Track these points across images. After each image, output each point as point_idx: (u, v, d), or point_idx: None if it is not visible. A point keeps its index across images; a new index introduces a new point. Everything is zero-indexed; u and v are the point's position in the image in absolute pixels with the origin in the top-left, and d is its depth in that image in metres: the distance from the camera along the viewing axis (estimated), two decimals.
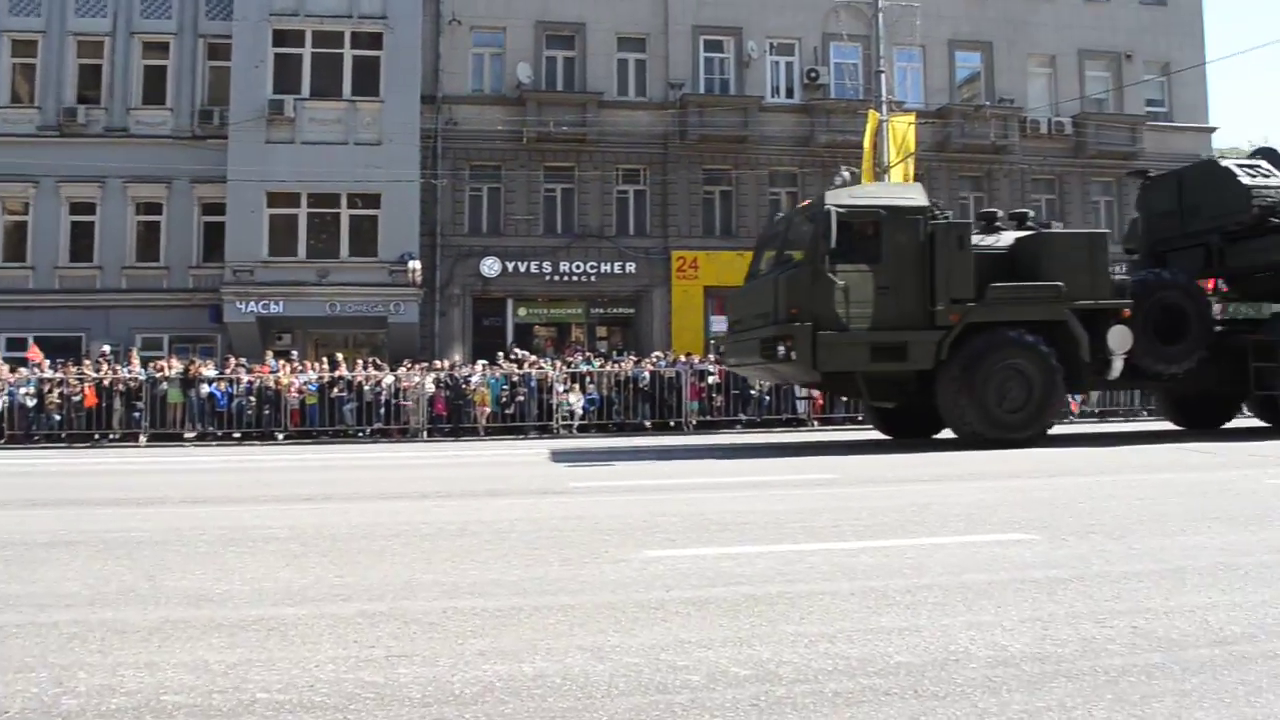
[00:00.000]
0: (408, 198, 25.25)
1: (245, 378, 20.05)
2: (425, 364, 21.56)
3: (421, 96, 26.03)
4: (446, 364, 21.77)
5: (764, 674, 3.35)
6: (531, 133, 26.54)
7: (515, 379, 20.74)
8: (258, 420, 19.75)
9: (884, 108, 23.61)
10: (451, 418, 20.42)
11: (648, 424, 20.56)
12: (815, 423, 20.86)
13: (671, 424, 20.57)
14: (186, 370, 20.07)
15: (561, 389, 20.50)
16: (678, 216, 27.66)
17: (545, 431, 20.17)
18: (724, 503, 7.92)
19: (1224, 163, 15.45)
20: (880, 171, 23.15)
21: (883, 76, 24.06)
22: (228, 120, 24.90)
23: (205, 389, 19.73)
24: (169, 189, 25.95)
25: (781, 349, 12.88)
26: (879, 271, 13.24)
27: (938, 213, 14.00)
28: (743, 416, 20.88)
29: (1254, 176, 15.00)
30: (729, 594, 4.51)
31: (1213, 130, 31.35)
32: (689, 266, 27.31)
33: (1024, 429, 13.27)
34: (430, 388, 20.35)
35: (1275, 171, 15.29)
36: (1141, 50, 30.88)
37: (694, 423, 20.60)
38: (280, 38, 25.19)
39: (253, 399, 19.84)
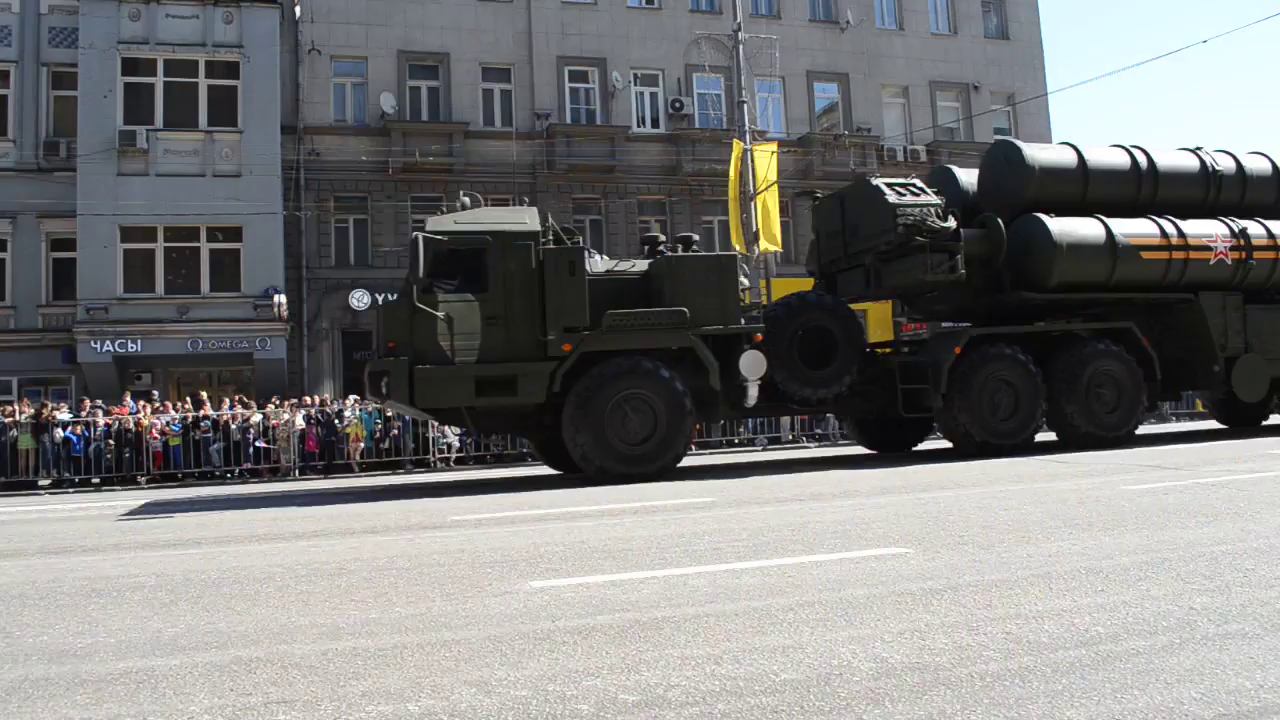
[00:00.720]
0: (271, 230, 24.60)
1: (102, 420, 19.14)
2: (295, 400, 20.96)
3: (282, 127, 25.43)
4: (317, 400, 21.22)
5: (653, 699, 3.36)
6: (397, 163, 26.22)
7: (389, 413, 20.35)
8: (118, 464, 18.85)
9: (747, 137, 24.13)
10: (324, 455, 19.90)
11: (527, 455, 20.38)
12: (692, 446, 21.01)
13: None
14: (38, 414, 19.06)
15: (437, 422, 20.17)
16: None
17: (422, 465, 19.83)
18: (606, 530, 7.92)
19: (874, 182, 15.14)
20: (746, 199, 23.64)
21: (745, 107, 24.59)
22: (76, 152, 23.85)
23: (59, 433, 18.75)
24: (13, 224, 24.69)
25: (384, 384, 12.31)
26: (487, 301, 12.60)
27: (567, 238, 13.41)
28: None
29: (902, 195, 14.57)
30: (615, 621, 4.51)
31: None
32: None
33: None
34: (301, 425, 19.79)
35: (928, 190, 14.96)
36: (988, 82, 32.43)
37: None
38: (130, 66, 24.29)
39: (111, 442, 18.94)
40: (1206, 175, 16.15)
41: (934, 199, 14.68)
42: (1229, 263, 15.52)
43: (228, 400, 20.80)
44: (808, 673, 3.59)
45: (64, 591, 5.88)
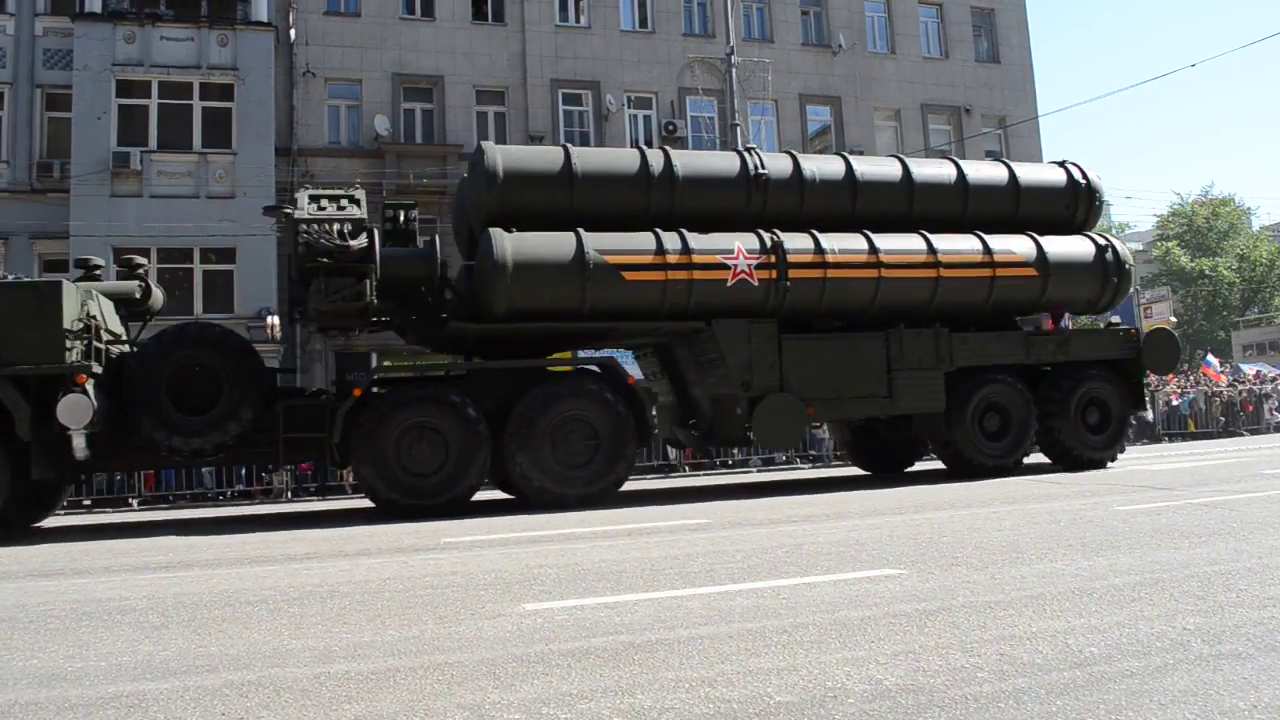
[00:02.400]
0: (264, 251, 24.60)
1: None
2: None
3: (276, 149, 25.48)
4: None
5: None
6: (391, 185, 26.23)
7: None
8: (109, 485, 18.77)
9: None
10: (317, 476, 19.82)
11: None
12: (686, 468, 21.03)
13: None
14: None
15: None
16: None
17: None
18: (599, 552, 7.91)
19: (298, 193, 12.80)
20: None
21: (738, 129, 24.72)
22: (69, 173, 23.88)
23: None
24: (7, 245, 24.64)
25: None
26: None
27: None
28: None
29: (324, 208, 12.38)
30: (609, 643, 4.50)
31: None
32: None
33: None
34: None
35: (360, 203, 12.70)
36: (979, 104, 32.60)
37: None
38: (125, 88, 24.34)
39: None
40: (747, 179, 13.59)
41: (354, 213, 12.41)
42: (755, 284, 12.98)
43: None
44: (802, 695, 3.59)
45: (55, 614, 5.85)
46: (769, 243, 13.14)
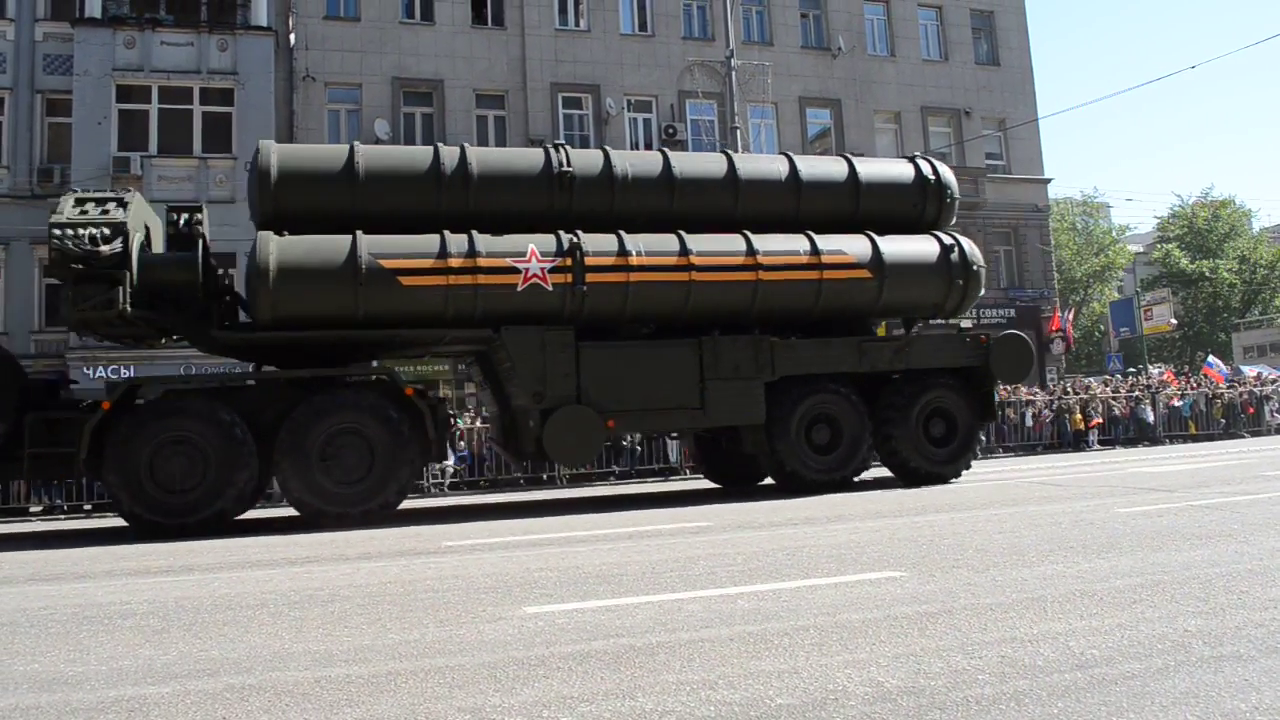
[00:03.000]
0: None
1: None
2: None
3: None
4: None
5: None
6: None
7: None
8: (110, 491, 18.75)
9: None
10: None
11: (521, 479, 20.37)
12: (687, 471, 21.01)
13: (544, 478, 20.42)
14: None
15: None
16: None
17: (416, 490, 19.74)
18: (600, 555, 7.91)
19: (68, 195, 12.14)
20: None
21: (738, 132, 24.74)
22: (70, 178, 23.89)
23: None
24: (7, 250, 24.71)
25: None
26: None
27: None
28: (615, 468, 20.87)
29: (87, 211, 11.66)
30: (610, 646, 4.50)
31: (1048, 181, 33.28)
32: None
33: None
34: None
35: (127, 205, 11.93)
36: (979, 107, 32.63)
37: (567, 476, 20.50)
38: (125, 93, 24.39)
39: None
40: (550, 178, 12.88)
41: (117, 217, 11.62)
42: (549, 289, 12.25)
43: None
44: (803, 697, 3.59)
45: (56, 619, 5.85)
46: (566, 244, 12.45)
